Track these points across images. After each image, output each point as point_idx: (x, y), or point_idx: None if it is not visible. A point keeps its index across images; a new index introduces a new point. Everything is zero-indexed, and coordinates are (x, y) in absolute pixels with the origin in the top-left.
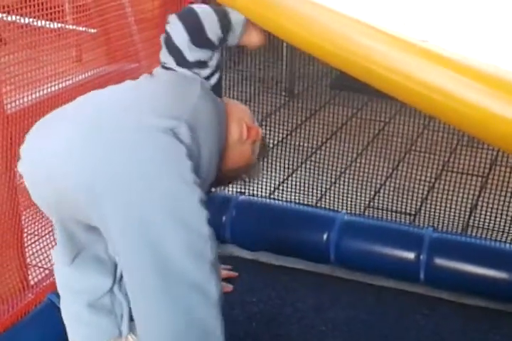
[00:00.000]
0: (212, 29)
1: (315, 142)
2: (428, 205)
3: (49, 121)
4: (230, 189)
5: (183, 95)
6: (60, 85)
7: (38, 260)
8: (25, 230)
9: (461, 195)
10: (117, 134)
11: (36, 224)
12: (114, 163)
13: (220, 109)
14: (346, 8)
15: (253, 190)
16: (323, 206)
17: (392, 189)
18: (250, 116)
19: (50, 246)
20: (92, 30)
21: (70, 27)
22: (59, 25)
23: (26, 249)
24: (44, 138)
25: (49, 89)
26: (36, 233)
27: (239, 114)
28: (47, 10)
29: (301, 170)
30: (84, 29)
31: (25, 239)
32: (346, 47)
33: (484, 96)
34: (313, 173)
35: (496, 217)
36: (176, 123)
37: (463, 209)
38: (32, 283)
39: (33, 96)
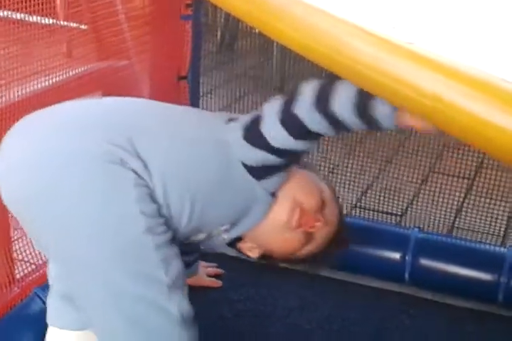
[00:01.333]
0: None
1: None
2: (415, 206)
3: (24, 122)
4: None
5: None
6: (50, 81)
7: (24, 254)
8: (12, 225)
9: (447, 196)
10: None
11: None
12: (48, 175)
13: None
14: (338, 10)
15: None
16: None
17: (379, 189)
18: (316, 199)
19: None
20: (83, 27)
21: (61, 23)
22: (50, 20)
23: (12, 244)
24: (14, 141)
25: (39, 85)
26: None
27: (298, 193)
28: (38, 6)
29: None
30: (75, 25)
31: (12, 234)
32: (335, 48)
33: (470, 99)
34: None
35: (481, 219)
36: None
37: (449, 210)
38: (18, 277)
39: (22, 91)
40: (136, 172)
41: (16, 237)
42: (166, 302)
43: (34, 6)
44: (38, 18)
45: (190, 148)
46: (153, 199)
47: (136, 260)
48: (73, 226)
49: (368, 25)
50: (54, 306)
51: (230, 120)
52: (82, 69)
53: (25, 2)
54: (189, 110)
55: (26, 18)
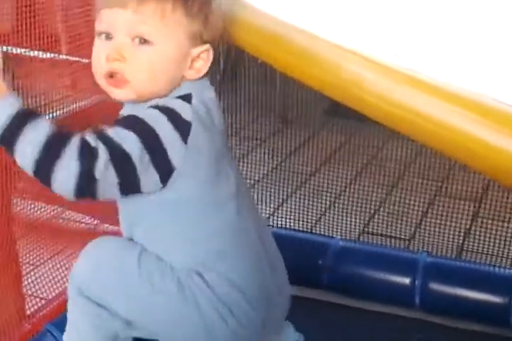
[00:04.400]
0: None
1: (309, 168)
2: (422, 230)
3: None
4: None
5: None
6: (57, 113)
7: (34, 290)
8: (21, 259)
9: (454, 219)
10: None
11: (32, 253)
12: None
13: None
14: (342, 39)
15: None
16: (318, 231)
17: (386, 214)
18: None
19: (46, 275)
20: (85, 60)
21: (65, 57)
22: (54, 55)
23: (22, 279)
24: None
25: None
26: (32, 262)
27: None
28: (43, 39)
29: (295, 196)
30: (77, 59)
31: (22, 269)
32: (337, 76)
33: (470, 123)
34: (308, 199)
35: (489, 241)
36: None
37: (457, 233)
38: (29, 313)
39: None
40: None
41: (25, 272)
42: None
43: (37, 40)
44: (41, 52)
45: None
46: None
47: None
48: None
49: (371, 53)
50: None
51: None
52: (87, 101)
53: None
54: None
55: (28, 53)
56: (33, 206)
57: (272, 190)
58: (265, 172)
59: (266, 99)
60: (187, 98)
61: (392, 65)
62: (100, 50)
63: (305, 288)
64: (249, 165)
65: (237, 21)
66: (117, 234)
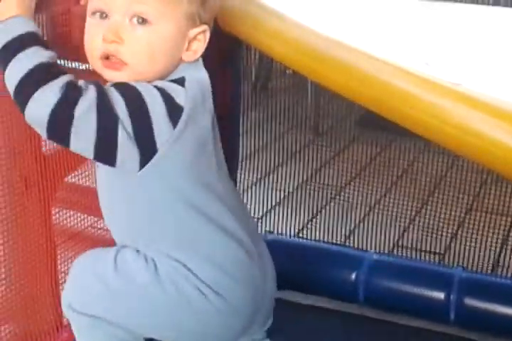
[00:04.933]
0: None
1: (341, 180)
2: (457, 244)
3: None
4: (259, 228)
5: None
6: None
7: None
8: (59, 268)
9: (490, 234)
10: None
11: (69, 262)
12: None
13: None
14: (374, 49)
15: (281, 228)
16: (351, 245)
17: (419, 228)
18: None
19: None
20: None
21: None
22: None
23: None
24: None
25: None
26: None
27: None
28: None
29: (328, 209)
30: None
31: (59, 278)
32: (384, 91)
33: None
34: (341, 211)
35: None
36: None
37: (492, 248)
38: (65, 322)
39: None
40: None
41: (62, 281)
42: None
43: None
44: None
45: None
46: None
47: None
48: None
49: (402, 62)
50: None
51: None
52: None
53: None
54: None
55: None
56: (70, 215)
57: (304, 203)
58: (297, 184)
59: (298, 110)
60: (180, 81)
61: (435, 77)
62: (95, 29)
63: (339, 301)
64: (281, 178)
65: (271, 32)
66: None
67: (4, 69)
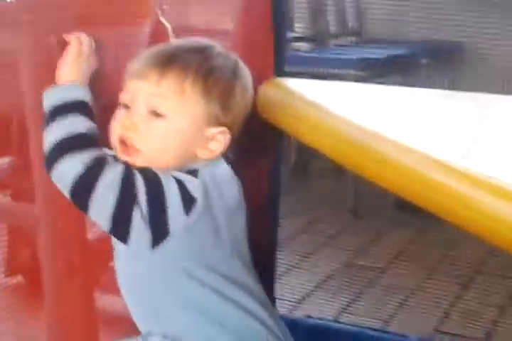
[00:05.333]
0: None
1: (380, 263)
2: (499, 330)
3: None
4: (297, 311)
5: None
6: None
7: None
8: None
9: None
10: None
11: None
12: None
13: None
14: (411, 141)
15: (320, 312)
16: (389, 329)
17: (460, 313)
18: None
19: None
20: None
21: None
22: None
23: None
24: None
25: None
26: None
27: None
28: None
29: (367, 292)
30: None
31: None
32: (421, 183)
33: None
34: (380, 295)
35: None
36: None
37: None
38: None
39: None
40: None
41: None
42: None
43: None
44: None
45: None
46: None
47: None
48: None
49: (438, 154)
50: None
51: None
52: None
53: None
54: None
55: None
56: (111, 298)
57: (343, 286)
58: (336, 267)
59: (337, 193)
60: (194, 173)
61: (471, 170)
62: (119, 118)
63: None
64: (320, 261)
65: (308, 122)
66: None
67: (45, 128)
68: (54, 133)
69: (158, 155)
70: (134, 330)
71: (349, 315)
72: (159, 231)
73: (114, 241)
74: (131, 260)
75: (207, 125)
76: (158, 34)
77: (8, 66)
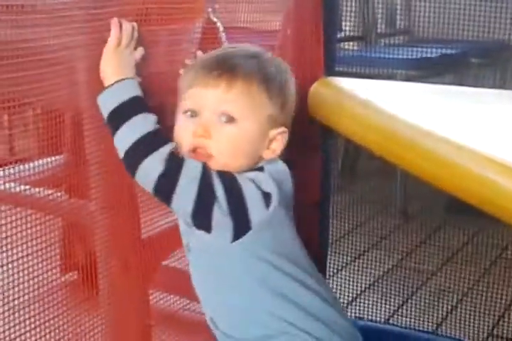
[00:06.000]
0: None
1: (431, 265)
2: None
3: None
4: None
5: None
6: None
7: None
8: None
9: None
10: None
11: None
12: None
13: None
14: (468, 140)
15: (371, 314)
16: (442, 333)
17: None
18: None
19: None
20: None
21: None
22: None
23: None
24: None
25: None
26: None
27: None
28: None
29: (417, 295)
30: None
31: None
32: (473, 181)
33: None
34: (432, 298)
35: None
36: None
37: None
38: None
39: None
40: None
41: None
42: None
43: None
44: None
45: None
46: None
47: None
48: None
49: (491, 152)
50: None
51: None
52: None
53: None
54: None
55: None
56: (165, 297)
57: (393, 289)
58: (385, 270)
59: (386, 193)
60: (261, 170)
61: None
62: (186, 126)
63: None
64: (370, 262)
65: (359, 120)
66: None
67: (113, 134)
68: (126, 138)
69: (231, 159)
70: (187, 329)
71: (400, 317)
72: (241, 225)
73: (189, 241)
74: (213, 255)
75: (269, 126)
76: (208, 32)
77: (63, 63)
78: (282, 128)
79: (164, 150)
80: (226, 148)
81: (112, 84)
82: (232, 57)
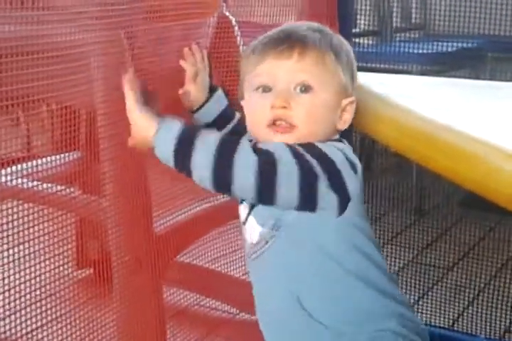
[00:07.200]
0: None
1: (447, 262)
2: None
3: None
4: None
5: None
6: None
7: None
8: None
9: None
10: None
11: (177, 337)
12: None
13: None
14: (482, 133)
15: None
16: (458, 328)
17: None
18: None
19: None
20: None
21: None
22: None
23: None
24: None
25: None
26: None
27: None
28: None
29: (433, 291)
30: None
31: None
32: (491, 175)
33: None
34: (448, 293)
35: None
36: None
37: None
38: None
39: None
40: None
41: None
42: None
43: None
44: None
45: None
46: None
47: None
48: None
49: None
50: None
51: None
52: None
53: None
54: None
55: None
56: (178, 293)
57: (409, 284)
58: (401, 265)
59: (401, 189)
60: (341, 141)
61: None
62: (261, 101)
63: None
64: (386, 259)
65: (378, 116)
66: (255, 324)
67: (189, 159)
68: (202, 159)
69: (311, 129)
70: (201, 324)
71: (416, 313)
72: (343, 197)
73: (262, 238)
74: (313, 233)
75: (342, 96)
76: (222, 27)
77: (78, 60)
78: (352, 98)
79: (243, 147)
80: (307, 116)
81: (156, 133)
82: (298, 31)
